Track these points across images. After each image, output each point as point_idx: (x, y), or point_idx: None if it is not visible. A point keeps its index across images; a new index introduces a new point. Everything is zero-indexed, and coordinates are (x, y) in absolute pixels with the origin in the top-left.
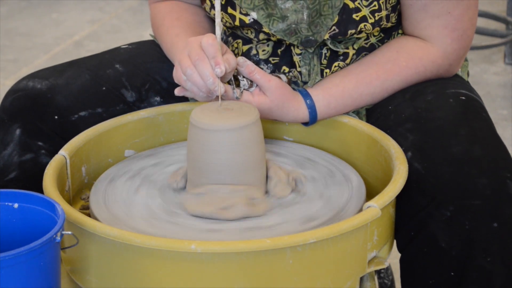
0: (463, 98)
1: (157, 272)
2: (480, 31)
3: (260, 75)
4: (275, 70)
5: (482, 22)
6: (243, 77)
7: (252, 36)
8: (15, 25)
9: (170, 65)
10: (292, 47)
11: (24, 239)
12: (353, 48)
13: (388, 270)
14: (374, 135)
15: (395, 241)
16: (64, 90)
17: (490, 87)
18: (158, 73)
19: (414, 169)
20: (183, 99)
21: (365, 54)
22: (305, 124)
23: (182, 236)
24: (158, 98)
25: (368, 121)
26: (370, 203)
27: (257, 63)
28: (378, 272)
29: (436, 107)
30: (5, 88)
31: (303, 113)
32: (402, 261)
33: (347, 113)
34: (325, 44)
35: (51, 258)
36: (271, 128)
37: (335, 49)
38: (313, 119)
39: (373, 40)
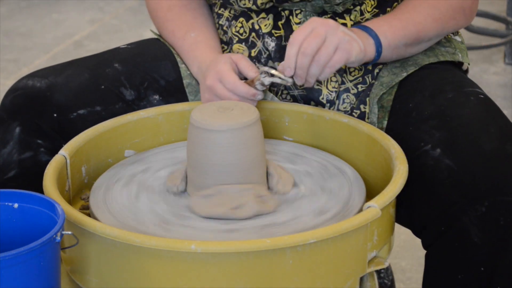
0: (482, 96)
1: (157, 272)
2: (480, 31)
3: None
4: (275, 50)
5: (482, 22)
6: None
7: (250, 4)
8: (15, 25)
9: (168, 64)
10: (291, 17)
11: (24, 239)
12: (350, 19)
13: (388, 270)
14: (374, 135)
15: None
16: (63, 88)
17: (490, 87)
18: (156, 71)
19: (446, 166)
20: (183, 98)
21: None
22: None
23: (202, 239)
24: (157, 97)
25: (389, 120)
26: (370, 203)
27: (262, 37)
28: (378, 272)
29: (458, 105)
30: (5, 88)
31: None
32: (428, 256)
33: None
34: (324, 12)
35: (51, 258)
36: (271, 128)
37: (331, 10)
38: (376, 38)
39: (367, 15)
